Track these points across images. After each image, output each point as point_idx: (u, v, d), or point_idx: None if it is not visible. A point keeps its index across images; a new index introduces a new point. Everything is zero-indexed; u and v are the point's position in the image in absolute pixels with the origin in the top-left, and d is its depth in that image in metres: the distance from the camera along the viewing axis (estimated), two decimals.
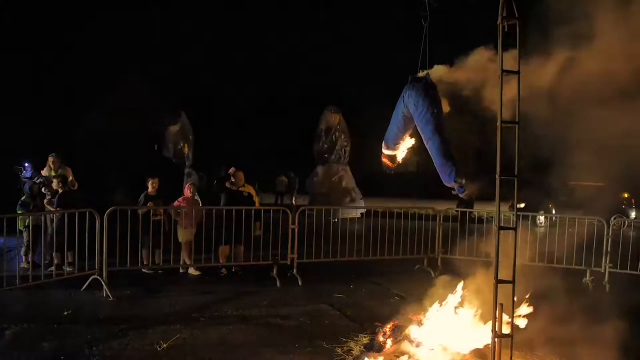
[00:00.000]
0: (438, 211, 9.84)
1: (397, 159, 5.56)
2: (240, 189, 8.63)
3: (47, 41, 18.36)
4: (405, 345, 4.78)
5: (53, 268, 7.44)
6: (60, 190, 8.09)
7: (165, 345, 5.08)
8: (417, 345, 4.77)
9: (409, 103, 5.06)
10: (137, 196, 8.59)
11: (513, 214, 4.31)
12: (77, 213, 7.00)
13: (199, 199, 9.30)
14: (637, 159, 4.70)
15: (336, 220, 10.41)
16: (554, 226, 9.96)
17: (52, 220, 7.72)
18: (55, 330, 5.48)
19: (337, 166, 18.32)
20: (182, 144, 16.46)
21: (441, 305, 5.16)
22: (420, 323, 5.02)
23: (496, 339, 3.86)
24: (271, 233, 9.10)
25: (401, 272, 8.82)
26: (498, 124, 3.89)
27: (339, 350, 5.10)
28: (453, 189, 4.94)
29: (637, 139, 4.20)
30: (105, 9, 19.66)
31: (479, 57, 4.95)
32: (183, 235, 8.39)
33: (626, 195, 16.91)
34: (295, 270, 8.22)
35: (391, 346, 4.81)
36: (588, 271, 8.43)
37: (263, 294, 7.33)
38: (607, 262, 8.35)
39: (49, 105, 17.49)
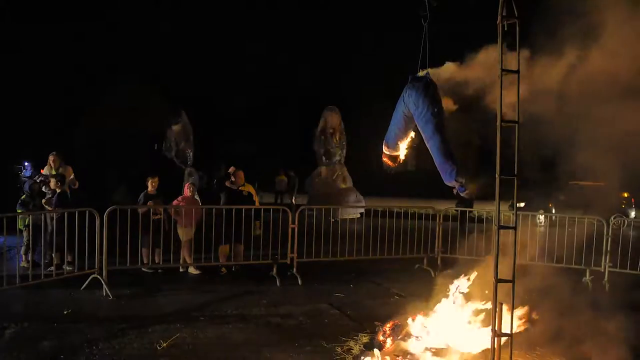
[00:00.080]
0: (438, 211, 9.85)
1: (399, 158, 5.56)
2: (240, 188, 8.63)
3: (47, 41, 18.35)
4: (405, 345, 4.79)
5: (53, 267, 7.44)
6: (58, 190, 8.10)
7: (165, 345, 5.08)
8: (417, 345, 4.77)
9: (409, 103, 5.06)
10: (137, 195, 8.60)
11: (513, 213, 4.31)
12: (77, 212, 7.00)
13: (199, 199, 9.31)
14: (637, 159, 4.71)
15: (335, 220, 10.41)
16: (554, 225, 9.96)
17: (52, 219, 7.72)
18: (55, 329, 5.49)
19: (336, 166, 18.30)
20: (184, 144, 16.46)
21: (441, 304, 5.16)
22: (420, 322, 5.03)
23: (496, 338, 3.87)
24: (271, 232, 9.10)
25: (401, 272, 8.83)
26: (498, 123, 3.89)
27: (338, 349, 5.11)
28: (454, 188, 4.94)
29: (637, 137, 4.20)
30: (106, 8, 19.67)
31: (489, 54, 4.93)
32: (183, 234, 8.39)
33: (626, 195, 16.92)
34: (295, 270, 8.22)
35: (391, 345, 4.81)
36: (588, 270, 8.43)
37: (263, 293, 7.33)
38: (607, 261, 8.36)
39: (49, 105, 17.49)
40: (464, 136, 5.57)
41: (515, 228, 3.99)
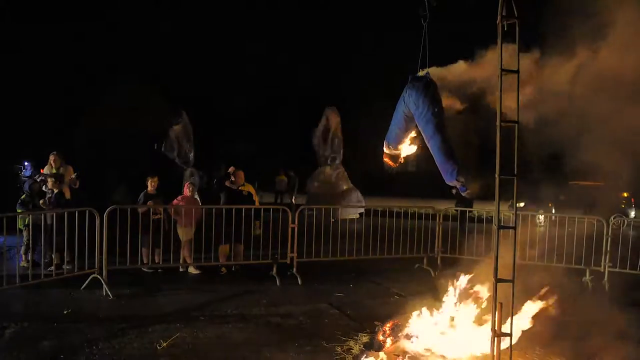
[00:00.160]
0: (438, 210, 9.85)
1: (400, 158, 5.56)
2: (240, 188, 8.63)
3: (47, 41, 18.37)
4: (405, 344, 4.78)
5: (53, 267, 7.44)
6: (55, 190, 8.09)
7: (165, 344, 5.08)
8: (417, 344, 4.77)
9: (409, 103, 5.06)
10: (137, 195, 8.60)
11: (512, 213, 4.31)
12: (77, 212, 7.00)
13: (199, 198, 9.31)
14: (637, 159, 4.71)
15: (335, 220, 10.40)
16: (554, 225, 9.96)
17: (52, 219, 7.71)
18: (55, 329, 5.49)
19: (336, 166, 18.30)
20: (185, 144, 16.46)
21: (441, 304, 5.16)
22: (420, 322, 5.03)
23: (495, 338, 3.87)
24: (271, 232, 9.10)
25: (401, 271, 8.83)
26: (497, 123, 3.90)
27: (338, 349, 5.10)
28: (454, 187, 4.94)
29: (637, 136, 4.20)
30: (106, 8, 19.68)
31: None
32: (183, 234, 8.40)
33: (626, 195, 16.92)
34: (295, 269, 8.22)
35: (391, 345, 4.81)
36: (587, 270, 8.43)
37: (263, 293, 7.33)
38: (607, 261, 8.35)
39: (49, 105, 17.50)
40: (467, 136, 5.57)
41: (515, 228, 3.99)
